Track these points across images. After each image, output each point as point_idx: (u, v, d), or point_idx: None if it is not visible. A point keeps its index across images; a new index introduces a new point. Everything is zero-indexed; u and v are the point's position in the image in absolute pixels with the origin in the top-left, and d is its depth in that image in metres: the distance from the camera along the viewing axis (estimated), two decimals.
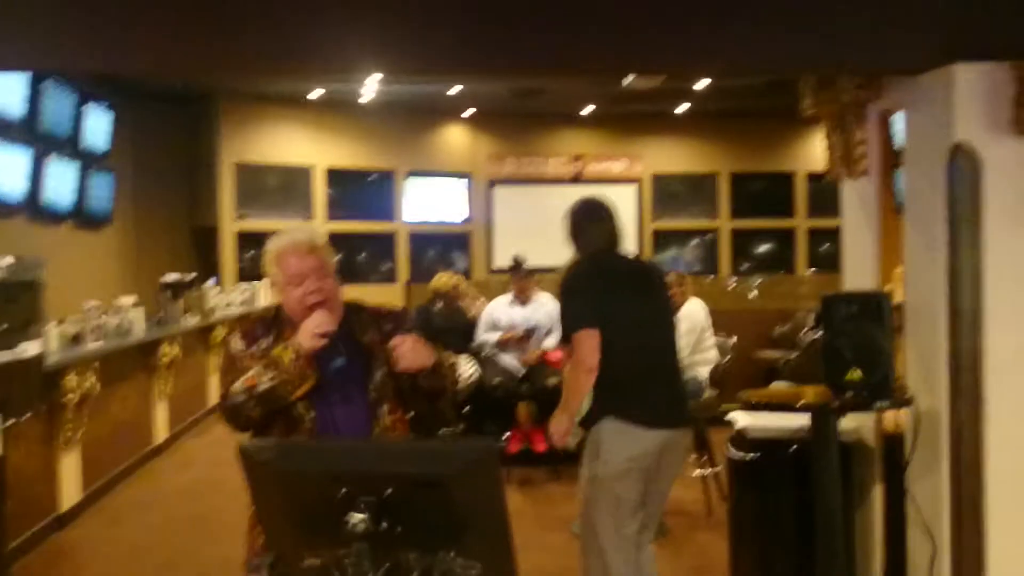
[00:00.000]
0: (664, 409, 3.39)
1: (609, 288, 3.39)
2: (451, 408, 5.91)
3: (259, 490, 1.84)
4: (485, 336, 6.72)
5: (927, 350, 3.37)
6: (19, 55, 3.22)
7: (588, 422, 3.37)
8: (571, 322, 3.33)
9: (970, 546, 3.22)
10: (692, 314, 6.21)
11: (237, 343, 2.50)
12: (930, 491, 3.34)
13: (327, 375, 2.39)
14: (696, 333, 6.16)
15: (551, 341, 6.69)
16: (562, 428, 3.36)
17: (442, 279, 7.20)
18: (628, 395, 3.30)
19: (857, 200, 3.96)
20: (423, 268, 14.62)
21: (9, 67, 5.46)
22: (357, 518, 1.69)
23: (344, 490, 1.70)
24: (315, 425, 2.40)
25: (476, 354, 6.82)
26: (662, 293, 3.65)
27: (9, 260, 4.83)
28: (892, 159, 4.06)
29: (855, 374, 3.20)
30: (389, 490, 1.69)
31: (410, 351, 2.38)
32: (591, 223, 3.53)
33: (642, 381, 3.34)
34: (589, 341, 3.24)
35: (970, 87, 3.15)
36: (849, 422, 3.73)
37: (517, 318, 6.69)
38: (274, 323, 2.51)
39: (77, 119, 10.16)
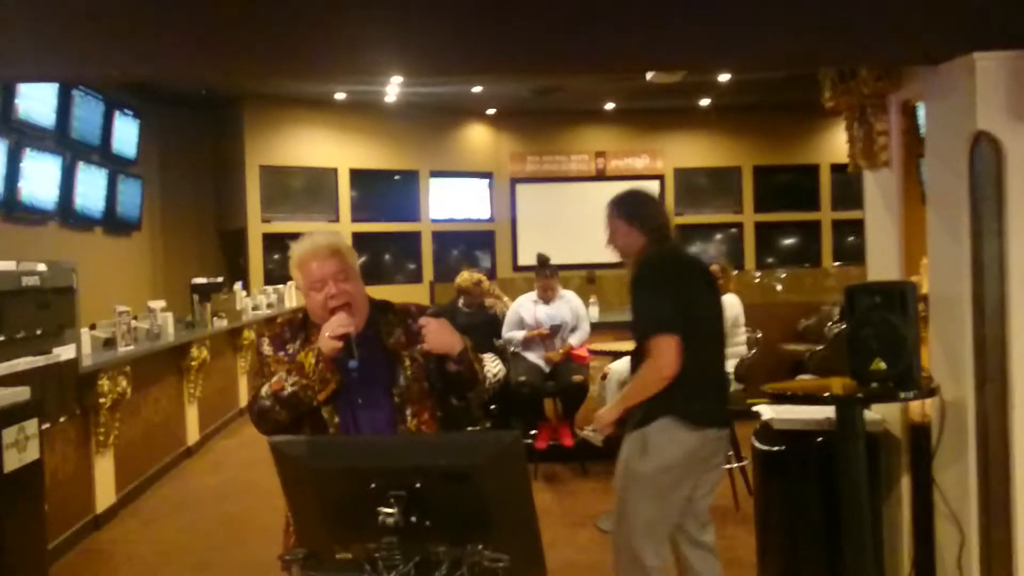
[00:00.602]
0: (717, 406, 3.34)
1: (685, 285, 3.27)
2: (478, 406, 5.96)
3: (290, 486, 1.88)
4: (511, 334, 6.76)
5: (952, 339, 3.36)
6: (48, 67, 3.30)
7: (639, 422, 3.24)
8: (652, 323, 3.16)
9: (998, 536, 3.21)
10: (730, 307, 6.21)
11: (266, 347, 2.53)
12: (957, 481, 3.33)
13: (349, 378, 2.41)
14: (728, 326, 6.16)
15: (576, 337, 6.71)
16: (610, 418, 3.33)
17: (464, 276, 7.25)
18: (689, 395, 3.18)
19: (879, 191, 3.95)
20: (448, 267, 14.69)
21: (40, 78, 5.56)
22: (387, 512, 1.73)
23: (373, 484, 1.75)
24: (339, 430, 2.42)
25: (501, 352, 6.86)
26: (717, 289, 3.55)
27: (42, 267, 4.93)
28: (918, 149, 4.05)
29: (879, 364, 3.20)
30: (418, 484, 1.73)
31: (437, 331, 2.40)
32: (646, 203, 3.44)
33: (703, 381, 3.26)
34: (672, 348, 3.10)
35: (990, 76, 3.14)
36: (875, 413, 3.73)
37: (542, 316, 6.72)
38: (302, 326, 2.54)
39: (106, 127, 10.33)
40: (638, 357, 3.29)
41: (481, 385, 2.54)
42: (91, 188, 10.06)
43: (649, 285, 3.23)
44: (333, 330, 2.36)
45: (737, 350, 6.29)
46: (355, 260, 2.54)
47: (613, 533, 3.43)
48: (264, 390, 2.42)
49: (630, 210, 3.36)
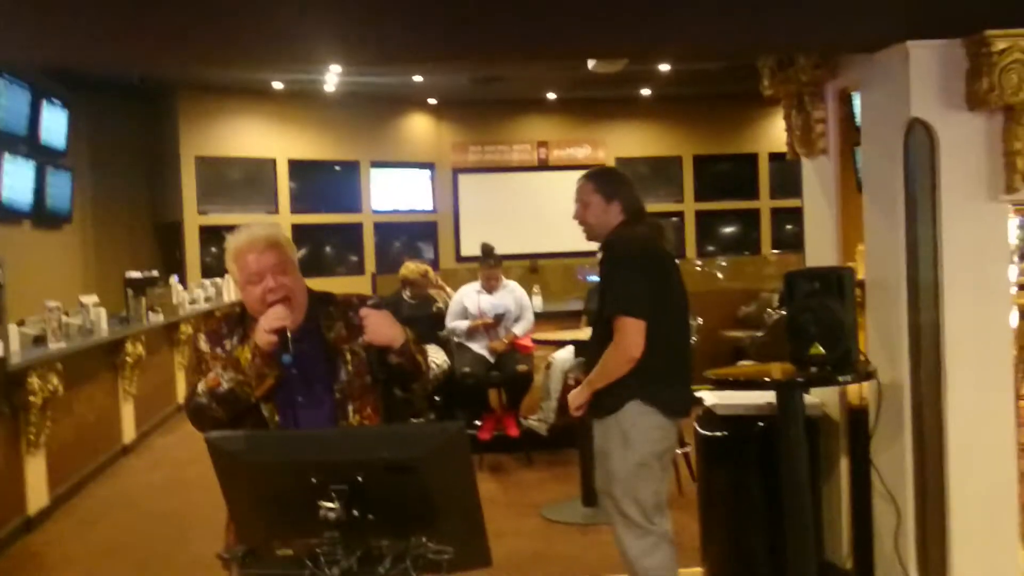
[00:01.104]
0: (686, 395, 3.38)
1: (659, 272, 3.27)
2: (422, 397, 5.91)
3: (229, 482, 1.83)
4: (454, 324, 6.73)
5: (888, 324, 3.42)
6: None
7: (609, 408, 3.23)
8: (621, 303, 3.15)
9: (934, 515, 3.29)
10: None
11: (202, 343, 2.45)
12: (894, 462, 3.40)
13: (289, 375, 2.35)
14: None
15: (520, 327, 6.71)
16: (580, 401, 3.28)
17: (410, 267, 7.19)
18: (659, 382, 3.20)
19: (817, 179, 4.01)
20: (390, 259, 14.59)
21: None
22: (328, 507, 1.70)
23: (314, 479, 1.71)
24: (280, 428, 2.36)
25: (445, 343, 6.83)
26: (682, 279, 3.50)
27: None
28: (854, 137, 4.11)
29: (818, 349, 3.25)
30: (360, 477, 1.70)
31: (377, 323, 2.35)
32: (623, 184, 3.36)
33: (673, 368, 3.28)
34: (637, 331, 3.11)
35: (924, 64, 3.20)
36: (814, 397, 3.79)
37: (486, 305, 6.70)
38: (240, 321, 2.46)
39: (33, 116, 10.00)
40: (599, 339, 3.28)
41: (425, 376, 2.49)
42: (18, 180, 9.74)
43: (625, 266, 3.22)
44: (269, 324, 2.29)
45: None
46: (294, 252, 2.47)
47: (618, 529, 3.30)
48: (200, 387, 2.35)
49: (610, 188, 3.28)
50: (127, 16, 3.10)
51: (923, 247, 3.29)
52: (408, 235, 15.46)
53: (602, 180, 3.30)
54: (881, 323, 3.50)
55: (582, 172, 3.40)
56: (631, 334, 3.12)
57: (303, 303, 2.42)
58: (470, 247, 14.37)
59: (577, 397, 3.31)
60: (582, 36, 3.39)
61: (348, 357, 2.41)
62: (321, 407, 2.38)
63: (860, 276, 3.65)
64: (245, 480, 1.80)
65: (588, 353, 3.43)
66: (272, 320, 2.29)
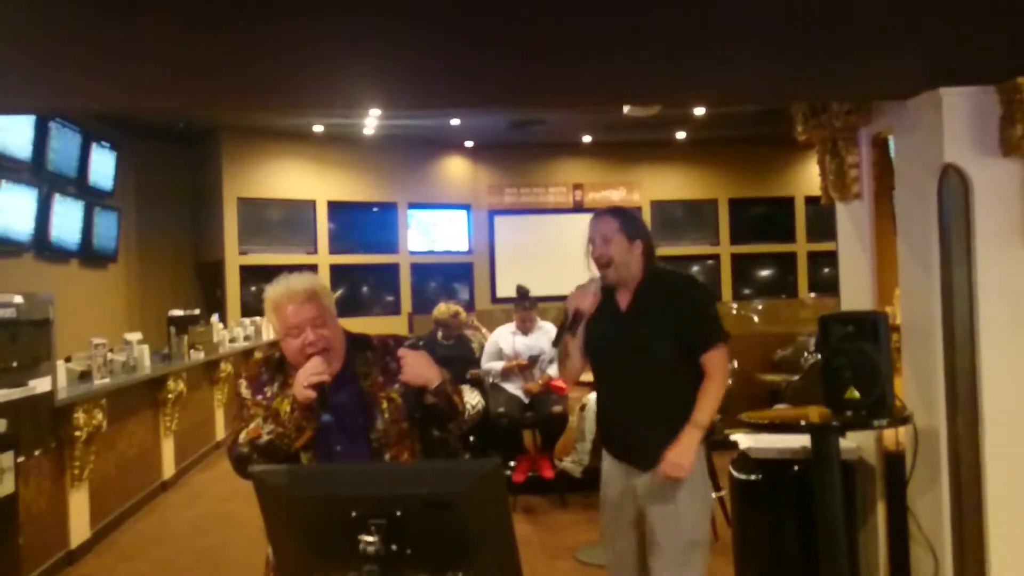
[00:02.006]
0: None
1: None
2: (457, 437, 5.94)
3: (271, 514, 1.88)
4: (489, 365, 6.77)
5: (923, 368, 3.42)
6: (26, 98, 3.31)
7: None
8: (720, 332, 3.00)
9: (972, 561, 3.25)
10: None
11: (244, 389, 2.49)
12: (931, 507, 3.37)
13: (327, 425, 2.37)
14: None
15: (555, 369, 6.73)
16: (691, 459, 2.87)
17: (441, 309, 7.29)
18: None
19: (851, 223, 4.03)
20: (426, 299, 14.70)
21: (17, 110, 5.56)
22: (368, 540, 1.74)
23: (354, 513, 1.75)
24: None
25: (479, 383, 6.87)
26: None
27: (19, 299, 4.90)
28: (891, 181, 4.14)
29: (853, 393, 3.25)
30: (398, 512, 1.74)
31: (413, 363, 2.38)
32: (643, 224, 3.23)
33: None
34: (727, 358, 3.01)
35: (957, 110, 3.23)
36: (850, 441, 3.77)
37: (520, 347, 6.74)
38: (279, 367, 2.50)
39: (82, 159, 10.30)
40: (667, 378, 2.97)
41: (461, 417, 2.52)
42: (67, 220, 10.01)
43: (707, 294, 3.22)
44: (307, 379, 2.30)
45: None
46: (331, 301, 2.49)
47: None
48: (242, 437, 2.39)
49: (633, 227, 3.09)
50: (176, 65, 3.22)
51: (958, 291, 3.29)
52: (444, 276, 15.58)
53: (625, 218, 3.12)
54: (917, 367, 3.49)
55: (596, 211, 3.21)
56: (726, 361, 2.99)
57: (341, 352, 2.45)
58: (505, 288, 14.45)
59: (688, 451, 2.87)
60: (618, 84, 3.45)
61: (384, 405, 2.43)
62: (358, 457, 2.41)
63: (896, 320, 3.65)
64: (287, 513, 1.85)
65: (640, 395, 3.00)
66: (310, 376, 2.31)
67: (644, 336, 2.99)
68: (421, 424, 2.50)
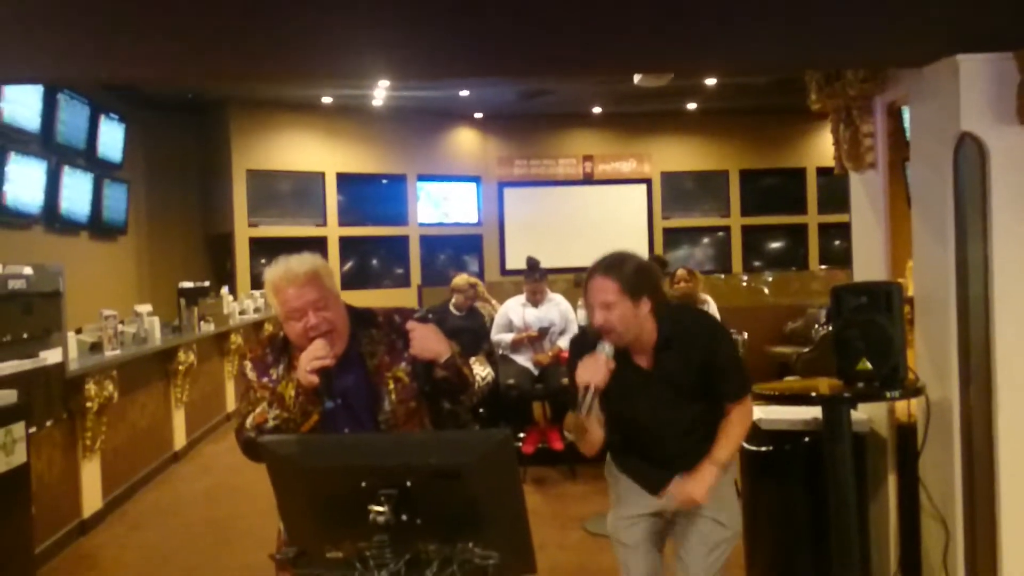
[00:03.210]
0: None
1: None
2: (467, 410, 5.95)
3: (281, 485, 1.88)
4: (499, 336, 6.77)
5: (937, 340, 3.39)
6: (33, 67, 3.29)
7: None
8: (747, 383, 2.86)
9: (983, 533, 3.24)
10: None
11: (249, 371, 2.46)
12: (943, 479, 3.36)
13: (335, 408, 2.35)
14: None
15: (565, 340, 6.72)
16: (708, 485, 2.70)
17: (463, 276, 7.37)
18: None
19: (865, 193, 3.98)
20: (435, 271, 14.71)
21: (24, 80, 5.55)
22: (378, 510, 1.73)
23: (364, 483, 1.75)
24: None
25: (489, 355, 6.87)
26: None
27: (28, 270, 4.91)
28: (904, 151, 4.08)
29: (865, 364, 3.23)
30: (408, 482, 1.74)
31: (422, 337, 2.36)
32: (649, 273, 2.81)
33: None
34: None
35: (974, 77, 3.18)
36: (861, 413, 3.75)
37: (531, 319, 6.73)
38: (284, 348, 2.45)
39: (91, 131, 10.29)
40: (693, 417, 2.79)
41: (471, 389, 2.50)
42: (76, 192, 10.02)
43: (730, 343, 2.94)
44: (310, 364, 2.26)
45: None
46: (333, 282, 2.42)
47: None
48: (248, 421, 2.36)
49: (637, 284, 2.65)
50: (183, 34, 3.19)
51: (973, 262, 3.25)
52: (453, 248, 15.56)
53: (625, 275, 2.64)
54: (930, 339, 3.46)
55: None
56: (751, 411, 2.88)
57: (345, 333, 2.39)
58: (515, 260, 14.44)
59: (704, 484, 2.69)
60: (629, 52, 3.41)
61: (391, 386, 2.40)
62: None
63: (910, 292, 3.62)
64: (297, 483, 1.85)
65: (673, 451, 2.80)
66: (313, 361, 2.26)
67: (675, 400, 2.75)
68: (431, 397, 2.48)
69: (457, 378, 2.42)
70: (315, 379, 2.27)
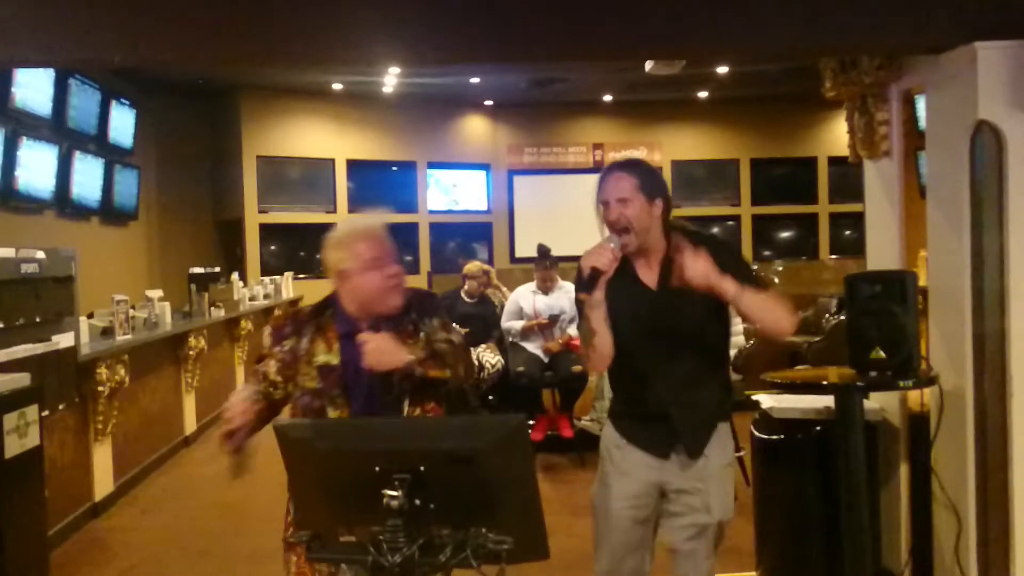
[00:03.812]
0: None
1: None
2: (476, 397, 5.96)
3: (294, 468, 1.88)
4: (509, 323, 6.78)
5: (951, 330, 3.37)
6: (47, 51, 3.29)
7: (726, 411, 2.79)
8: (763, 282, 2.72)
9: (995, 523, 3.23)
10: None
11: (266, 336, 2.53)
12: (955, 470, 3.34)
13: (353, 379, 2.40)
14: None
15: (575, 328, 6.71)
16: (710, 271, 2.48)
17: (474, 264, 7.38)
18: None
19: (879, 182, 3.96)
20: (445, 259, 14.70)
21: (38, 63, 5.53)
22: (391, 495, 1.73)
23: (378, 467, 1.75)
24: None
25: (499, 343, 6.88)
26: None
27: (41, 254, 4.92)
28: (916, 141, 4.05)
29: (879, 353, 3.21)
30: (422, 467, 1.73)
31: (375, 350, 2.32)
32: (660, 177, 2.80)
33: None
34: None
35: (992, 65, 3.14)
36: (874, 402, 3.74)
37: (541, 306, 6.73)
38: (313, 317, 2.46)
39: (102, 116, 10.30)
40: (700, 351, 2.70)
41: (474, 379, 2.51)
42: (87, 178, 10.04)
43: (743, 257, 2.83)
44: (390, 359, 2.31)
45: (735, 340, 6.30)
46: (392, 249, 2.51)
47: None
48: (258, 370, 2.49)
49: (653, 185, 2.62)
50: (194, 18, 3.19)
51: (989, 253, 3.22)
52: (463, 235, 15.55)
53: (643, 173, 2.64)
54: (944, 329, 3.44)
55: (608, 166, 2.73)
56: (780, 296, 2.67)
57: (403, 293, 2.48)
58: (524, 248, 14.43)
59: (711, 270, 2.47)
60: (641, 38, 3.38)
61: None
62: (377, 407, 2.42)
63: (922, 282, 3.59)
64: (311, 467, 1.85)
65: (683, 380, 2.67)
66: (393, 355, 2.32)
67: (683, 318, 2.63)
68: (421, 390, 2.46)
69: (423, 382, 2.38)
70: (381, 367, 2.31)
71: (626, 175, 2.61)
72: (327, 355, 2.41)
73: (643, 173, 2.64)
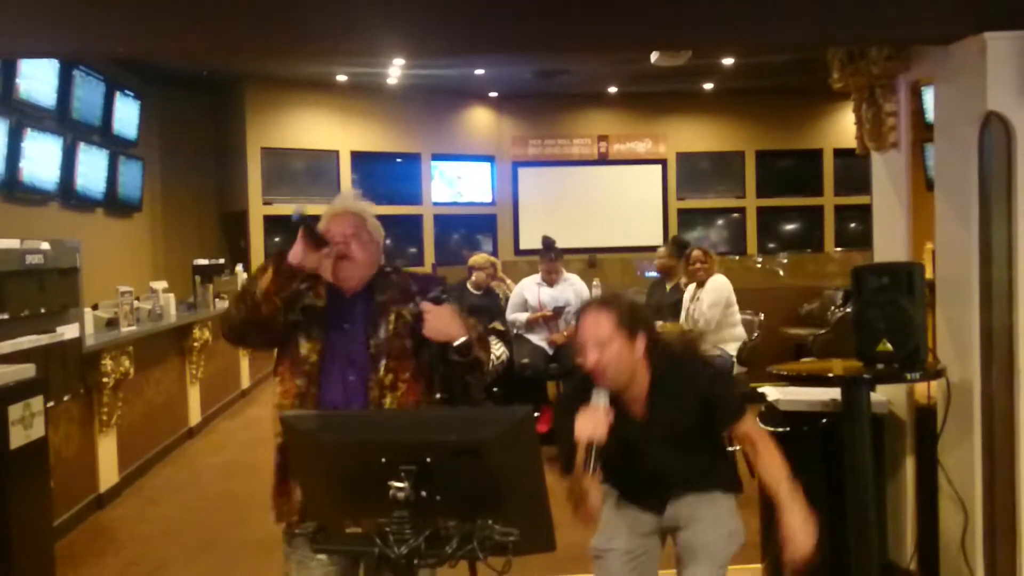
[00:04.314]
0: None
1: None
2: (480, 389, 5.94)
3: (301, 459, 1.88)
4: (514, 315, 6.77)
5: (959, 323, 3.35)
6: (53, 41, 3.28)
7: (736, 485, 2.83)
8: (742, 403, 2.71)
9: (1003, 517, 3.22)
10: (717, 288, 6.21)
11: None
12: (962, 463, 3.33)
13: (336, 337, 2.45)
14: (721, 307, 6.16)
15: None
16: (805, 525, 2.54)
17: (481, 256, 7.36)
18: None
19: (887, 173, 3.94)
20: (449, 251, 14.69)
21: (43, 54, 5.53)
22: (398, 486, 1.73)
23: (384, 459, 1.74)
24: (317, 369, 2.44)
25: (504, 334, 6.86)
26: None
27: (46, 245, 4.92)
28: (922, 133, 4.03)
29: (886, 345, 3.20)
30: (429, 458, 1.73)
31: (436, 318, 2.36)
32: (640, 308, 2.79)
33: None
34: None
35: (1002, 55, 3.12)
36: (880, 395, 3.73)
37: (545, 298, 6.72)
38: (308, 276, 2.47)
39: (107, 107, 10.28)
40: (700, 458, 2.73)
41: (483, 369, 2.50)
42: (92, 169, 10.03)
43: (725, 378, 3.00)
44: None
45: (735, 332, 6.28)
46: (376, 232, 2.59)
47: None
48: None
49: (633, 319, 2.56)
50: (199, 9, 3.18)
51: (997, 245, 3.21)
52: (467, 227, 15.53)
53: (622, 309, 2.56)
54: (952, 322, 3.43)
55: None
56: (758, 423, 2.74)
57: (362, 271, 2.51)
58: (529, 240, 14.40)
59: (807, 530, 2.54)
60: (647, 29, 3.37)
61: (392, 317, 2.47)
62: (356, 355, 2.46)
63: (928, 275, 3.58)
64: (317, 458, 1.84)
65: (669, 494, 2.72)
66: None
67: (674, 451, 2.66)
68: (442, 377, 2.47)
69: (471, 361, 2.42)
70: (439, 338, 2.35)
71: (604, 313, 2.53)
72: (314, 300, 2.47)
73: (622, 308, 2.56)
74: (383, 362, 2.43)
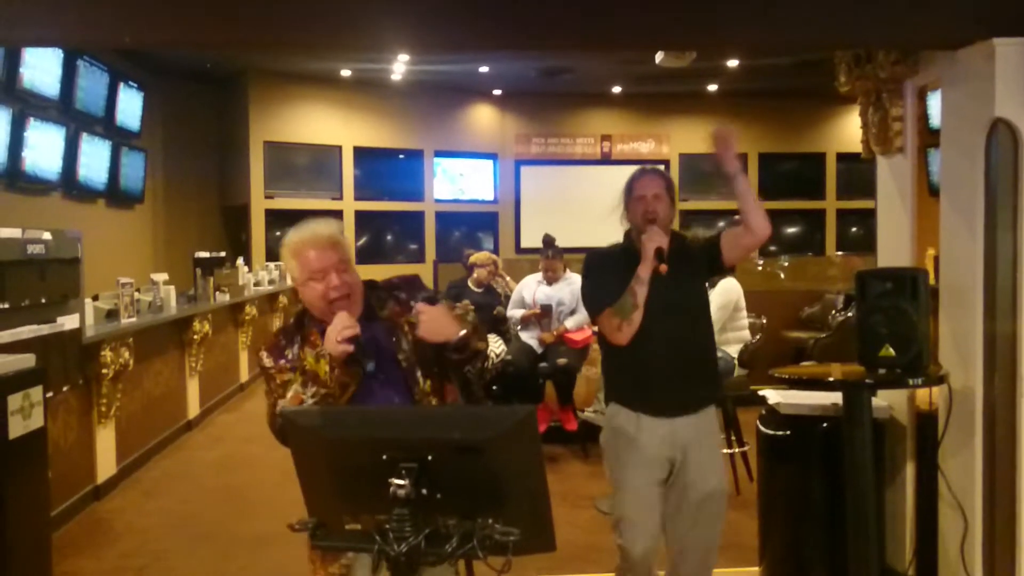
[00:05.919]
0: None
1: None
2: (480, 387, 5.93)
3: (302, 455, 1.87)
4: (512, 312, 6.77)
5: (962, 329, 3.34)
6: (58, 29, 3.27)
7: (713, 394, 3.26)
8: None
9: (1002, 523, 3.21)
10: (727, 291, 6.19)
11: (266, 359, 2.46)
12: (962, 469, 3.32)
13: (365, 375, 2.34)
14: (728, 310, 6.15)
15: (573, 320, 6.67)
16: (728, 136, 3.31)
17: (483, 254, 7.35)
18: None
19: (892, 178, 3.93)
20: (450, 247, 14.69)
21: (49, 42, 5.52)
22: (398, 483, 1.72)
23: (385, 456, 1.73)
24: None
25: (505, 332, 6.86)
26: None
27: (47, 236, 4.91)
28: (927, 138, 4.02)
29: (888, 351, 3.19)
30: (430, 456, 1.72)
31: (432, 319, 2.32)
32: None
33: None
34: None
35: (1010, 61, 3.11)
36: (881, 400, 3.72)
37: (541, 296, 6.71)
38: (298, 328, 2.46)
39: (110, 98, 10.28)
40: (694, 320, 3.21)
41: (483, 359, 2.49)
42: (94, 160, 10.03)
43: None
44: (340, 335, 2.25)
45: (740, 335, 6.27)
46: (351, 252, 2.47)
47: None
48: (281, 406, 2.32)
49: (673, 193, 3.24)
50: (203, 2, 3.16)
51: (1002, 252, 3.19)
52: (469, 225, 15.53)
53: (669, 181, 3.26)
54: (955, 328, 3.42)
55: (639, 169, 3.29)
56: None
57: (360, 301, 2.42)
58: (530, 238, 14.40)
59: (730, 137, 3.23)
60: (653, 28, 3.35)
61: (406, 328, 2.42)
62: (394, 380, 2.39)
63: (931, 281, 3.56)
64: (318, 454, 1.83)
65: (686, 352, 3.13)
66: (342, 331, 2.25)
67: (686, 296, 3.14)
68: (437, 374, 2.45)
69: (469, 358, 2.39)
70: (348, 348, 2.25)
71: (658, 177, 3.21)
72: (314, 360, 2.36)
73: (668, 180, 3.25)
74: (418, 371, 2.39)
